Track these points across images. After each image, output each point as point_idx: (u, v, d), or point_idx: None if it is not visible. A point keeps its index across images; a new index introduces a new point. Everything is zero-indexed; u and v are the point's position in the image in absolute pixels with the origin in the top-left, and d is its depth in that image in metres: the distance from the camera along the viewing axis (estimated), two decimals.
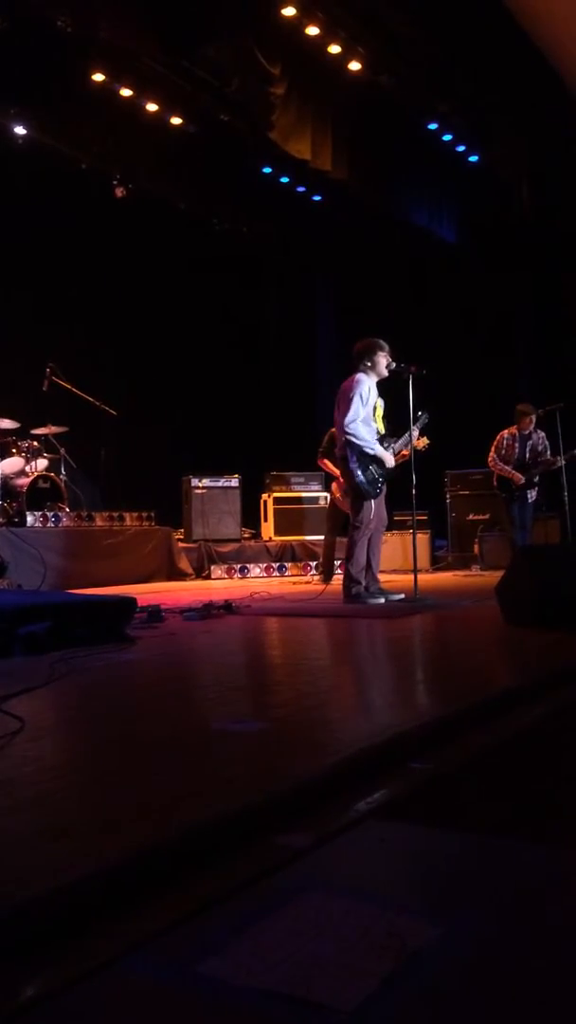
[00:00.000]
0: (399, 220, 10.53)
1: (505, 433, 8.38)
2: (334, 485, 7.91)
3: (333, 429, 7.99)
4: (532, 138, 9.72)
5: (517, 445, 8.29)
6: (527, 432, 8.25)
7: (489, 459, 8.38)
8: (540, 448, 8.25)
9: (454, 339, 10.82)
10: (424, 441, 5.96)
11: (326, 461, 7.90)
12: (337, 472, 7.67)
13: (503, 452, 8.29)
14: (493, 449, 8.37)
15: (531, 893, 1.17)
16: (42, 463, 8.12)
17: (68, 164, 9.35)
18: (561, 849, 1.42)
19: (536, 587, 3.84)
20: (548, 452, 8.23)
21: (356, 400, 5.59)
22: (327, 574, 7.88)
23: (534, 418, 8.20)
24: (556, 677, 2.61)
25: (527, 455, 8.24)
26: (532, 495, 8.25)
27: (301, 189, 11.12)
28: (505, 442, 8.31)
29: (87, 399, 8.60)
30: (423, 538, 9.26)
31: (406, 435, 5.82)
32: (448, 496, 10.11)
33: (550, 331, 10.78)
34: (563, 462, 8.10)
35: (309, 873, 1.24)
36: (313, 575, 8.79)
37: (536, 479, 8.22)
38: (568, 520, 8.26)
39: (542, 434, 8.31)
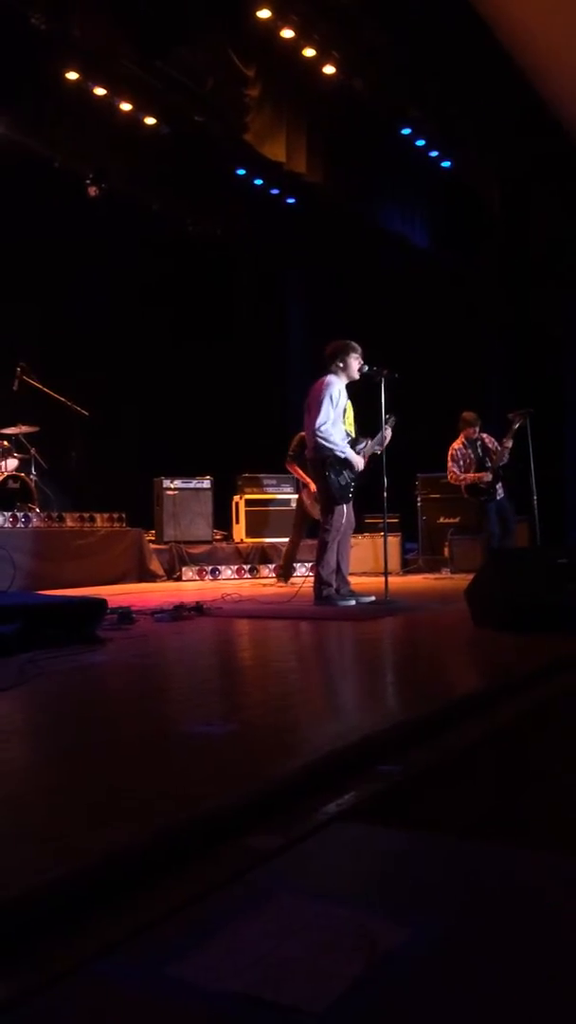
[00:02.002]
0: (372, 224, 10.57)
1: (456, 444, 8.69)
2: (304, 492, 7.92)
3: (302, 432, 8.03)
4: (504, 145, 9.79)
5: (471, 452, 8.58)
6: (474, 437, 8.59)
7: (450, 475, 8.63)
8: (490, 446, 8.54)
9: (425, 343, 10.88)
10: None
11: (295, 466, 7.92)
12: (307, 479, 7.73)
13: (463, 463, 8.55)
14: (451, 463, 8.62)
15: (499, 895, 1.19)
16: (12, 463, 8.06)
17: (40, 163, 9.28)
18: (529, 851, 1.44)
19: (505, 590, 3.87)
20: (496, 445, 8.50)
21: (326, 402, 5.59)
22: (286, 575, 7.88)
23: (480, 424, 8.60)
24: (525, 679, 2.64)
25: (483, 457, 8.52)
26: (500, 492, 8.45)
27: (275, 191, 11.13)
28: (460, 453, 8.61)
29: (58, 399, 8.55)
30: (394, 541, 9.30)
31: (378, 436, 5.83)
32: (419, 499, 10.16)
33: (520, 336, 10.88)
34: (511, 443, 8.33)
35: (279, 875, 1.24)
36: (271, 576, 8.80)
37: (501, 473, 8.44)
38: (537, 523, 8.34)
39: (485, 434, 8.63)
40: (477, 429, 8.60)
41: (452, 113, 9.21)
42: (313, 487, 7.70)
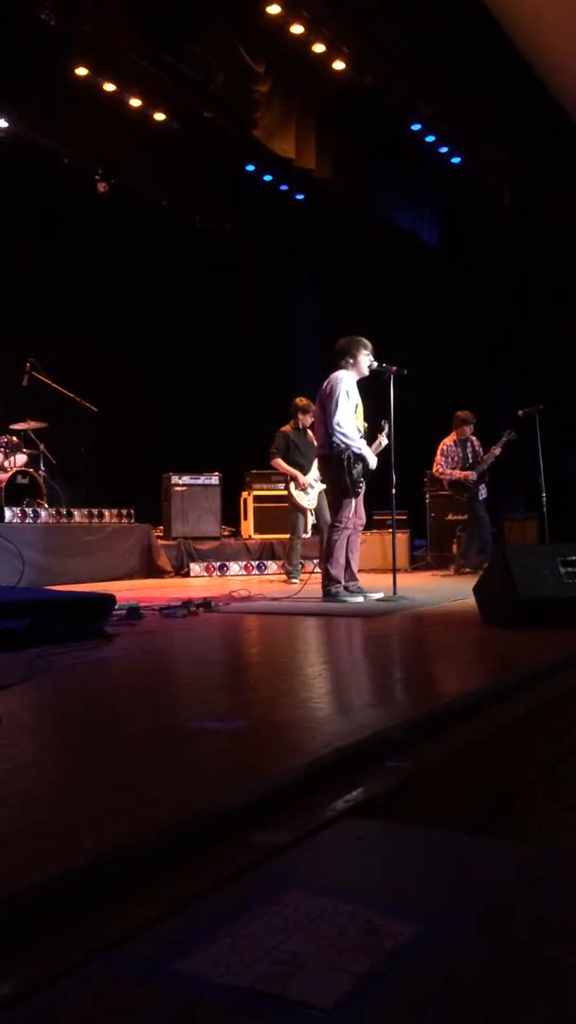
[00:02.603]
0: (381, 220, 10.55)
1: (448, 441, 8.89)
2: (291, 484, 7.96)
3: (285, 428, 8.08)
4: (514, 141, 9.77)
5: (460, 450, 8.82)
6: (465, 437, 8.81)
7: (435, 468, 8.86)
8: (478, 449, 8.82)
9: (435, 339, 10.86)
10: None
11: (279, 461, 7.96)
12: (293, 472, 7.87)
13: (451, 459, 8.80)
14: (440, 457, 8.84)
15: (507, 892, 1.18)
16: (21, 459, 8.08)
17: (50, 158, 9.29)
18: (538, 846, 1.43)
19: (513, 587, 3.86)
20: (482, 450, 8.80)
21: (342, 398, 5.57)
22: (292, 572, 7.89)
23: (472, 425, 8.80)
24: (534, 676, 2.63)
25: (470, 457, 8.77)
26: (483, 492, 8.74)
27: (284, 187, 11.13)
28: (450, 450, 8.83)
29: (67, 395, 8.57)
30: (402, 538, 9.29)
31: (374, 444, 5.81)
32: (427, 496, 10.14)
33: (530, 332, 10.85)
34: (499, 451, 8.62)
35: (286, 871, 1.24)
36: (279, 573, 8.86)
37: (486, 476, 8.70)
38: (546, 520, 8.32)
39: (476, 440, 8.88)
40: (469, 430, 8.80)
41: (462, 109, 9.19)
42: (302, 479, 7.79)
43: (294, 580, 7.69)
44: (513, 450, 9.30)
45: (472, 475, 8.61)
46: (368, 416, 5.94)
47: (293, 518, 8.06)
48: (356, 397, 5.71)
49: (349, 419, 5.57)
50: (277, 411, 11.59)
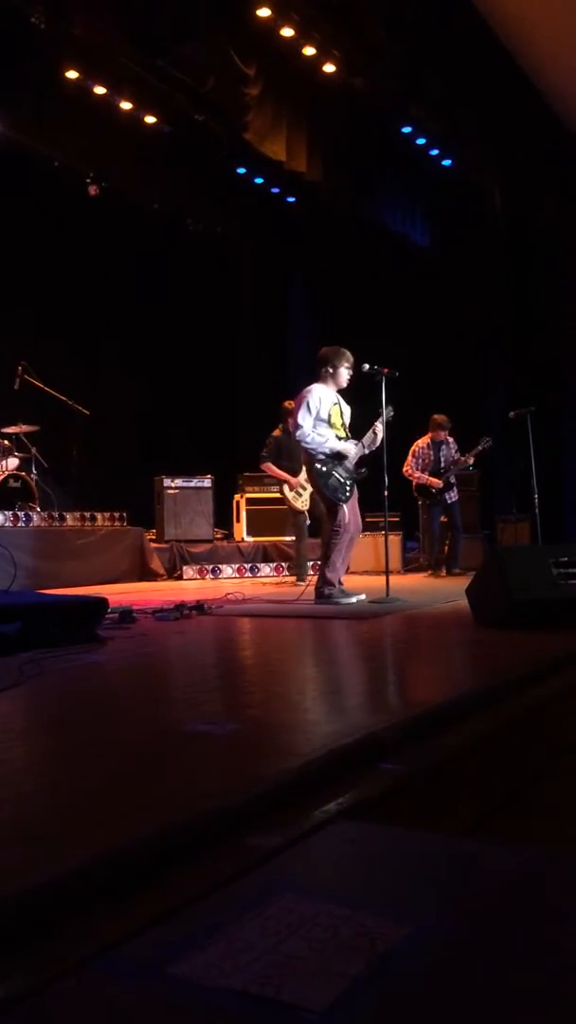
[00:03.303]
0: (373, 222, 10.56)
1: (421, 442, 8.94)
2: (284, 487, 8.07)
3: (276, 432, 8.17)
4: (504, 144, 9.79)
5: (432, 453, 8.87)
6: (440, 440, 8.85)
7: (405, 468, 8.87)
8: (454, 455, 8.88)
9: (426, 341, 10.87)
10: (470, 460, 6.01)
11: (270, 465, 8.09)
12: (284, 476, 8.05)
13: (421, 461, 8.86)
14: (411, 457, 8.90)
15: (499, 894, 1.19)
16: (13, 462, 8.06)
17: (41, 161, 9.27)
18: (530, 848, 1.44)
19: (506, 588, 3.87)
20: (457, 455, 8.88)
21: (303, 410, 5.64)
22: (300, 574, 7.93)
23: (448, 429, 8.85)
24: (525, 678, 2.63)
25: (441, 463, 8.84)
26: (453, 495, 8.85)
27: (275, 190, 11.12)
28: (421, 451, 8.89)
29: (59, 398, 8.55)
30: (394, 540, 9.29)
31: (367, 435, 5.78)
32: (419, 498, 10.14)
33: (521, 335, 10.87)
34: (472, 460, 8.79)
35: (280, 874, 1.24)
36: (272, 575, 8.98)
37: (453, 481, 8.82)
38: (538, 522, 8.34)
39: (453, 443, 8.92)
40: (444, 434, 8.85)
41: (453, 111, 9.20)
42: (293, 481, 7.92)
43: (301, 583, 7.71)
44: (506, 452, 9.34)
45: (439, 483, 8.70)
46: (360, 419, 5.94)
47: (297, 521, 8.13)
48: (327, 408, 5.67)
49: (311, 428, 5.59)
50: (269, 413, 11.60)
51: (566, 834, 2.08)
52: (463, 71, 8.53)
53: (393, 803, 1.63)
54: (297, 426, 5.63)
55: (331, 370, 5.76)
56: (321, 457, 5.62)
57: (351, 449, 5.66)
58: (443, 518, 8.91)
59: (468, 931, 1.06)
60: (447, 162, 10.37)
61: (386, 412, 5.74)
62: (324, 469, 5.61)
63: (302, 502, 8.00)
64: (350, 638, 4.07)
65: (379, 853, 1.36)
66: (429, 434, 8.87)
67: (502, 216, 10.66)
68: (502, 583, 3.90)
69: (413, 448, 8.90)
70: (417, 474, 8.82)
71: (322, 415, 5.65)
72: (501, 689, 2.45)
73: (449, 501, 8.81)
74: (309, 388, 5.74)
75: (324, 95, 8.79)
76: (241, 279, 12.59)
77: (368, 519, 8.46)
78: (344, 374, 5.76)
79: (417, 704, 2.31)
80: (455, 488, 8.87)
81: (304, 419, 5.61)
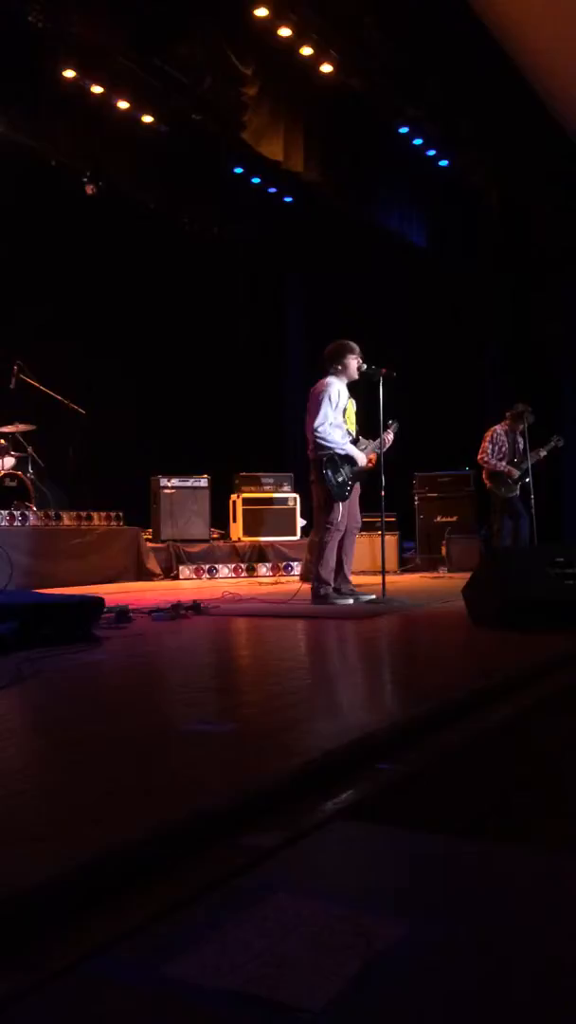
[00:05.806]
0: (370, 222, 10.56)
1: (498, 428, 8.49)
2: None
3: None
4: (502, 144, 9.79)
5: (508, 441, 8.43)
6: (518, 431, 8.41)
7: (480, 455, 8.45)
8: (523, 446, 8.41)
9: (423, 341, 10.88)
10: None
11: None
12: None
13: (499, 449, 8.40)
14: (487, 443, 8.43)
15: (496, 893, 1.18)
16: (9, 461, 8.04)
17: (38, 160, 9.26)
18: (526, 848, 1.44)
19: (503, 588, 3.87)
20: (527, 448, 8.39)
21: (325, 403, 5.62)
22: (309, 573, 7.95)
23: (528, 422, 8.36)
24: (522, 677, 2.63)
25: (517, 452, 8.41)
26: (519, 489, 8.43)
27: (272, 190, 11.13)
28: (498, 437, 8.42)
29: (55, 397, 8.54)
30: (391, 540, 9.30)
31: (377, 440, 5.83)
32: (416, 498, 10.16)
33: (518, 335, 10.88)
34: (545, 452, 8.37)
35: (276, 874, 1.24)
36: (268, 575, 8.99)
37: (528, 474, 8.34)
38: (535, 522, 8.35)
39: (525, 435, 8.48)
40: (523, 426, 8.37)
41: (450, 112, 9.20)
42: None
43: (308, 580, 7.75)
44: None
45: (516, 472, 8.29)
46: (359, 418, 5.96)
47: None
48: (344, 402, 5.74)
49: (331, 424, 5.61)
50: (266, 413, 11.62)
51: (566, 834, 2.08)
52: (460, 72, 8.53)
53: (390, 803, 1.63)
54: (317, 419, 5.62)
55: (340, 366, 5.79)
56: (332, 454, 5.63)
57: (362, 458, 5.72)
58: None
59: (465, 931, 1.06)
60: (444, 162, 10.38)
61: (393, 425, 5.81)
62: (334, 465, 5.63)
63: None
64: (346, 638, 4.07)
65: (376, 853, 1.36)
66: (508, 421, 8.46)
67: (500, 216, 10.67)
68: (498, 583, 3.90)
69: (490, 433, 8.46)
70: (494, 461, 8.36)
71: (339, 409, 5.69)
72: (498, 689, 2.45)
73: (516, 493, 8.36)
74: (327, 381, 5.75)
75: (321, 95, 8.79)
76: (238, 278, 12.58)
77: (365, 519, 8.47)
78: (353, 365, 5.80)
79: (414, 704, 2.31)
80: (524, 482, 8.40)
81: (326, 412, 5.62)
